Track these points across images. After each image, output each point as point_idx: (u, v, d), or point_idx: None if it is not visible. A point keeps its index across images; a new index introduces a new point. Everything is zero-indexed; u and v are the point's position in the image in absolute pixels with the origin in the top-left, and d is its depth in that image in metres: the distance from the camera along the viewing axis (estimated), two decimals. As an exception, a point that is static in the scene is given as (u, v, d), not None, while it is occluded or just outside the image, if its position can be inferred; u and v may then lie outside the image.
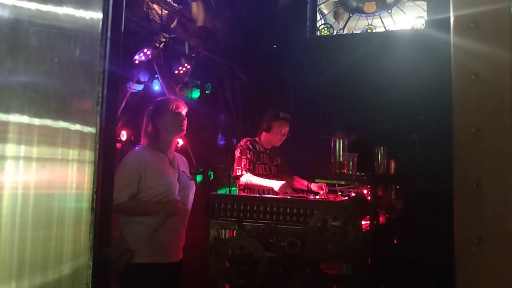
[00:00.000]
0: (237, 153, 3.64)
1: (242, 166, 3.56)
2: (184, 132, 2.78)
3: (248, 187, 3.52)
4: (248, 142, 3.68)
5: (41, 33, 0.86)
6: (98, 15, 1.16)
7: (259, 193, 3.48)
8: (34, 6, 0.90)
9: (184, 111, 2.77)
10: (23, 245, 0.86)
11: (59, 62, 0.89)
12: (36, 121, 0.89)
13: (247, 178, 3.48)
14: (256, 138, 3.79)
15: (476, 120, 0.88)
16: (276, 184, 3.37)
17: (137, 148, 2.77)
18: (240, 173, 3.54)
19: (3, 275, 0.81)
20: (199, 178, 4.46)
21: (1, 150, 0.82)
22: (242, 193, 3.51)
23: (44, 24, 0.92)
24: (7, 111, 0.77)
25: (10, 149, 0.84)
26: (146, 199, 2.55)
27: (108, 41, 1.19)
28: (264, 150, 3.76)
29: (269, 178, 3.63)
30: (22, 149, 0.87)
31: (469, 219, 0.87)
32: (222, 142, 4.98)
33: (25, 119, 0.82)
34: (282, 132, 3.74)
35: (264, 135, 3.77)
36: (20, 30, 0.81)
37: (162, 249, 2.60)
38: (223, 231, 2.54)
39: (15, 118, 0.83)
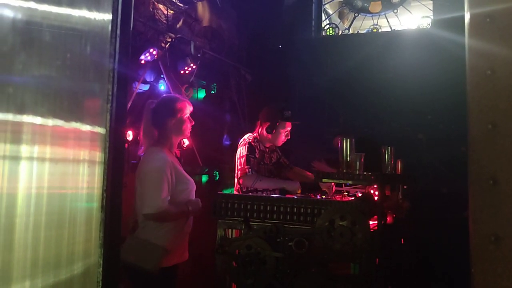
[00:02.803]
0: (244, 151, 3.39)
1: (251, 165, 3.33)
2: (188, 135, 2.79)
3: (256, 188, 3.32)
4: (255, 140, 3.47)
5: (53, 30, 0.86)
6: (108, 14, 1.16)
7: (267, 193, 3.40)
8: (47, 7, 0.90)
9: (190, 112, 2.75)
10: (37, 244, 0.86)
11: (71, 58, 0.89)
12: (49, 121, 0.89)
13: (256, 178, 3.27)
14: (257, 136, 3.56)
15: (493, 116, 0.86)
16: (289, 185, 3.31)
17: (153, 150, 2.64)
18: (250, 173, 3.29)
19: (17, 274, 0.81)
20: (204, 178, 4.46)
21: (16, 150, 0.82)
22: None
23: (56, 25, 0.92)
24: (22, 107, 0.77)
25: (25, 149, 0.84)
26: (177, 203, 2.54)
27: (118, 39, 1.19)
28: (265, 148, 3.59)
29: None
30: (36, 150, 0.87)
31: (486, 217, 0.85)
32: (227, 142, 4.98)
33: (38, 117, 0.82)
34: (286, 133, 3.56)
35: (264, 134, 3.54)
36: (33, 27, 0.81)
37: (183, 249, 2.64)
38: (230, 230, 2.53)
39: (29, 118, 0.83)
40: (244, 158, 3.37)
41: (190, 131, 2.75)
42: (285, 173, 3.71)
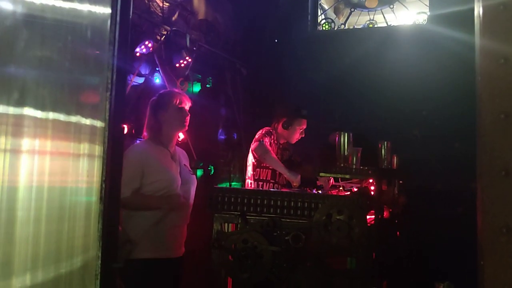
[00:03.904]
0: (261, 132, 3.51)
1: (266, 142, 3.44)
2: (186, 128, 2.76)
3: (266, 159, 3.39)
4: (273, 131, 3.59)
5: (55, 16, 0.83)
6: (108, 2, 1.13)
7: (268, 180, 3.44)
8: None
9: (187, 106, 2.74)
10: (38, 238, 0.84)
11: (72, 41, 0.86)
12: (50, 115, 0.86)
13: (267, 150, 3.36)
14: (274, 132, 3.64)
15: (506, 106, 0.84)
16: (291, 174, 3.32)
17: (137, 142, 2.72)
18: (263, 142, 3.40)
19: (18, 267, 0.79)
20: (199, 172, 4.43)
21: (17, 144, 0.80)
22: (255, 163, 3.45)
23: (57, 9, 0.89)
24: (23, 88, 0.74)
25: (26, 141, 0.82)
26: (149, 194, 2.53)
27: (118, 27, 1.16)
28: (278, 145, 3.65)
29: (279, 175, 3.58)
30: (37, 143, 0.85)
31: (497, 209, 0.84)
32: (222, 137, 4.95)
33: (39, 96, 0.79)
34: (301, 131, 3.61)
35: (280, 130, 3.61)
36: (37, 20, 0.78)
37: (163, 244, 2.57)
38: (226, 224, 2.51)
39: (30, 111, 0.80)
40: (260, 135, 3.48)
41: (187, 124, 2.72)
42: (295, 170, 3.74)
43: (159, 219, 2.54)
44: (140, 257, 2.47)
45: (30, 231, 0.83)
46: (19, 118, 0.77)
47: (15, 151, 0.78)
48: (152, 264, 2.51)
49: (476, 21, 0.87)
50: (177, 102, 2.68)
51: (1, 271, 0.76)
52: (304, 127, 3.63)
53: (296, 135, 3.61)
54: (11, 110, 0.74)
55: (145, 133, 2.73)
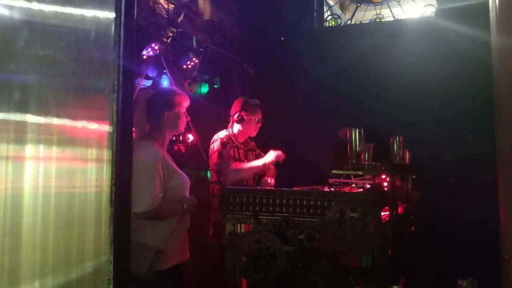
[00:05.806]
0: (218, 143, 3.44)
1: (226, 154, 3.39)
2: (183, 130, 2.72)
3: (241, 176, 3.36)
4: (230, 134, 3.54)
5: (57, 18, 0.82)
6: (112, 2, 1.12)
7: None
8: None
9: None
10: (46, 244, 0.83)
11: (75, 40, 0.84)
12: (55, 120, 0.85)
13: (237, 168, 3.32)
14: (232, 133, 3.60)
15: (526, 93, 0.81)
16: (264, 160, 3.32)
17: (143, 143, 2.57)
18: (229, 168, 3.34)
19: (26, 274, 0.78)
20: (210, 174, 4.42)
21: (21, 150, 0.78)
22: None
23: (59, 12, 0.88)
24: (25, 90, 0.72)
25: (29, 148, 0.80)
26: (169, 199, 2.45)
27: (123, 28, 1.14)
28: (239, 144, 3.60)
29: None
30: (42, 148, 0.83)
31: (520, 200, 0.80)
32: (232, 137, 4.92)
33: (43, 98, 0.77)
34: (256, 119, 3.57)
35: (236, 127, 3.59)
36: (38, 26, 0.77)
37: (179, 249, 2.53)
38: (239, 225, 2.49)
39: (33, 116, 0.79)
40: (218, 147, 3.43)
41: (185, 127, 2.69)
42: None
43: (176, 225, 2.48)
44: (165, 267, 2.42)
45: (37, 237, 0.81)
46: (21, 124, 0.76)
47: (19, 158, 0.76)
48: (176, 270, 2.48)
49: (492, 10, 0.83)
50: (184, 106, 2.62)
51: (8, 278, 0.75)
52: (259, 115, 3.59)
53: (252, 126, 3.57)
54: (13, 116, 0.73)
55: (137, 131, 2.63)
